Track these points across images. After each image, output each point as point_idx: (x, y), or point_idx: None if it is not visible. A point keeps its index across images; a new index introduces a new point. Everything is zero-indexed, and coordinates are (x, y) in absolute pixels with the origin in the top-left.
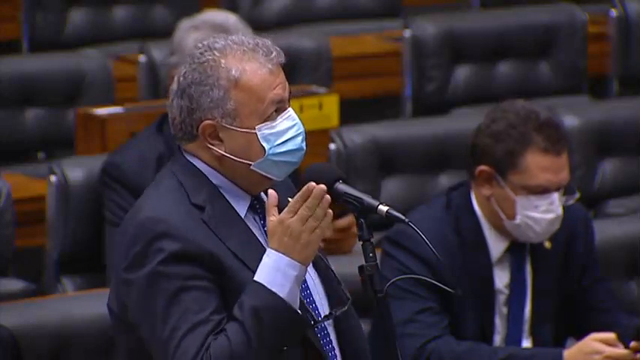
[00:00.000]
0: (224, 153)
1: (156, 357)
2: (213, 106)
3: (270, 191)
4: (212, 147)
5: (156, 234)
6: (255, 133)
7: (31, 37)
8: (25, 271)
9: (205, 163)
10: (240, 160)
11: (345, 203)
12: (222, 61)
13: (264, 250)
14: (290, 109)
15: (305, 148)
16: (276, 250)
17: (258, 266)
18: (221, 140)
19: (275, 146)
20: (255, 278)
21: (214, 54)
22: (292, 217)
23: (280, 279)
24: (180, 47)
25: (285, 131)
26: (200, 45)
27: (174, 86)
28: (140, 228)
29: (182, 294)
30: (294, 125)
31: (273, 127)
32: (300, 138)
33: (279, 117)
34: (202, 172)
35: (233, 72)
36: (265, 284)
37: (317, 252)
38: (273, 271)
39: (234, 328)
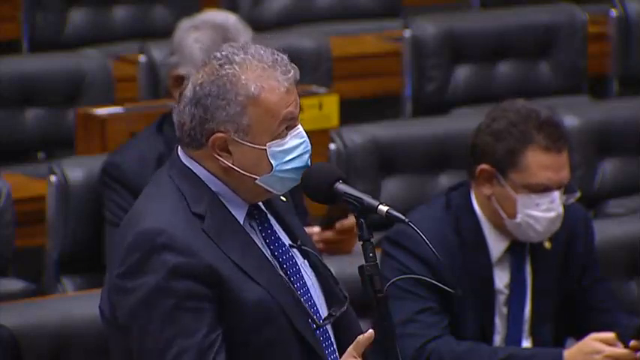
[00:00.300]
0: (232, 165)
1: None
2: (228, 120)
3: (370, 332)
4: (219, 158)
5: (157, 245)
6: (265, 149)
7: (31, 37)
8: (25, 271)
9: (206, 169)
10: (247, 174)
11: (345, 203)
12: (243, 76)
13: (265, 257)
14: (300, 125)
15: (309, 164)
16: None
17: (259, 274)
18: (230, 153)
19: (282, 163)
20: None
21: (234, 68)
22: None
23: None
24: (180, 47)
25: (293, 149)
26: (219, 55)
27: (188, 93)
28: (140, 237)
29: (178, 313)
30: (302, 143)
31: (282, 145)
32: (306, 156)
33: (289, 134)
34: (201, 179)
35: (252, 89)
36: None
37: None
38: None
39: None
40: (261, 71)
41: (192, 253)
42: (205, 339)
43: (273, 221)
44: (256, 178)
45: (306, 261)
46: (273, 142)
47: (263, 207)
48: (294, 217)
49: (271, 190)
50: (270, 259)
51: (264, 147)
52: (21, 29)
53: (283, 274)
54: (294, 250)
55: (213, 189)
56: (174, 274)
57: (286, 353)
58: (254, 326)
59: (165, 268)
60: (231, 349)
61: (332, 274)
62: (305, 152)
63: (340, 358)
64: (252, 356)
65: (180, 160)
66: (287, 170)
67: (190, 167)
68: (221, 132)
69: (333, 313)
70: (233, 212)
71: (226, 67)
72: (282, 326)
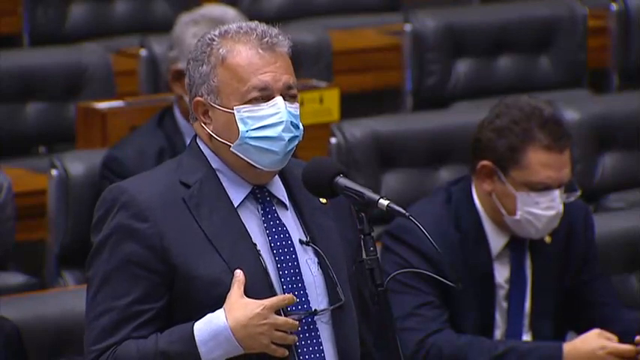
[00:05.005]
0: (211, 132)
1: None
2: (201, 82)
3: (238, 271)
4: (204, 126)
5: (116, 203)
6: (234, 113)
7: (32, 31)
8: (25, 265)
9: (205, 144)
10: (221, 140)
11: (346, 197)
12: (218, 40)
13: (247, 238)
14: (279, 98)
15: (286, 138)
16: (228, 324)
17: (227, 249)
18: (211, 119)
19: (251, 130)
20: (195, 328)
21: (214, 34)
22: (267, 308)
23: (212, 346)
24: (179, 41)
25: (265, 117)
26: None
27: None
28: (107, 194)
29: (114, 274)
30: (276, 113)
31: (253, 111)
32: (280, 127)
33: (264, 104)
34: (204, 155)
35: (222, 50)
36: (197, 341)
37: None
38: (212, 335)
39: (143, 351)
40: (235, 35)
41: (144, 218)
42: (131, 306)
43: (285, 212)
44: (230, 145)
45: (317, 260)
46: (242, 106)
47: (286, 198)
48: (324, 219)
49: (249, 160)
50: (257, 242)
51: (232, 110)
52: (22, 23)
53: (271, 263)
54: (308, 247)
55: (213, 165)
56: (121, 234)
57: None
58: (207, 303)
59: (114, 226)
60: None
61: (334, 277)
62: (278, 123)
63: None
64: None
65: (195, 139)
66: (258, 138)
67: (198, 144)
68: (199, 96)
69: (311, 310)
70: (230, 190)
71: (211, 35)
72: None
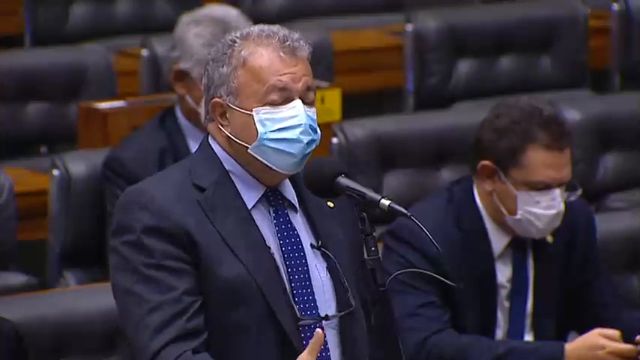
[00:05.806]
0: (229, 134)
1: (124, 328)
2: (220, 84)
3: (318, 331)
4: (221, 127)
5: (137, 205)
6: (252, 115)
7: (34, 32)
8: (27, 265)
9: (220, 146)
10: (239, 141)
11: (348, 197)
12: (240, 42)
13: (261, 240)
14: (298, 101)
15: (305, 141)
16: None
17: (244, 251)
18: (229, 121)
19: (270, 132)
20: None
21: (235, 36)
22: None
23: None
24: (181, 41)
25: (284, 119)
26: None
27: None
28: (126, 197)
29: (153, 270)
30: (295, 116)
31: (272, 113)
32: (299, 130)
33: (284, 107)
34: (217, 156)
35: (243, 52)
36: None
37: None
38: None
39: None
40: (257, 38)
41: (166, 217)
42: (182, 298)
43: (295, 216)
44: (247, 147)
45: (325, 264)
46: (262, 108)
47: (296, 201)
48: (332, 223)
49: (266, 162)
50: (270, 246)
51: (251, 112)
52: (23, 23)
53: (281, 266)
54: (317, 251)
55: (226, 167)
56: (148, 233)
57: (257, 339)
58: (226, 305)
59: (140, 227)
60: None
61: (345, 282)
62: (296, 126)
63: None
64: (220, 339)
65: (207, 139)
66: (276, 140)
67: (211, 145)
68: (217, 97)
69: (322, 316)
70: (243, 192)
71: (233, 37)
72: (257, 309)
